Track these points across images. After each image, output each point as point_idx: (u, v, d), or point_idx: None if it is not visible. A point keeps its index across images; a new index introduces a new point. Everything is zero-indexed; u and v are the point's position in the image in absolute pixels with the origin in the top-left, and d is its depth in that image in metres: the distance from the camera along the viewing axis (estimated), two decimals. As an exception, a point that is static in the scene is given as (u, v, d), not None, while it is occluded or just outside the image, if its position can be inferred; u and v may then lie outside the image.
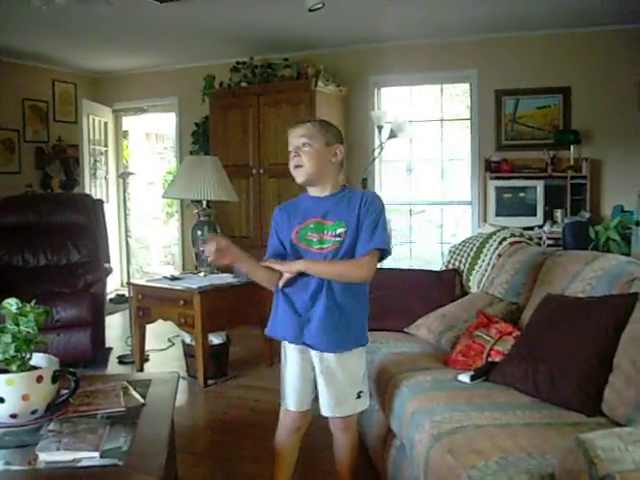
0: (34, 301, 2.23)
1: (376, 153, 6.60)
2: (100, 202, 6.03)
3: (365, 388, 2.52)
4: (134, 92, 8.41)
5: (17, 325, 2.14)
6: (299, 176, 2.44)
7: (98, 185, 8.24)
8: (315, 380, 2.48)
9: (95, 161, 8.20)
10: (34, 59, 7.51)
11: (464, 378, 2.59)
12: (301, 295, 2.43)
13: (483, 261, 3.84)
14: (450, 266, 4.08)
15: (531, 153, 6.39)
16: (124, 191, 6.22)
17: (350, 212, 2.40)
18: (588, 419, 2.16)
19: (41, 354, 2.30)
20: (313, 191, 2.51)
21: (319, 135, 2.43)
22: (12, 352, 2.12)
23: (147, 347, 4.96)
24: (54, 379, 2.18)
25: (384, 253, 2.42)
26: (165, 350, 5.52)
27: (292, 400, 2.51)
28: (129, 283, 5.07)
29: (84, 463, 1.89)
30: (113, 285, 7.83)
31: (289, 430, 2.56)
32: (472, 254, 3.94)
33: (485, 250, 3.87)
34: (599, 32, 6.11)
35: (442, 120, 7.16)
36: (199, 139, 7.69)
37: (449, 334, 3.19)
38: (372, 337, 2.70)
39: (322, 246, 2.41)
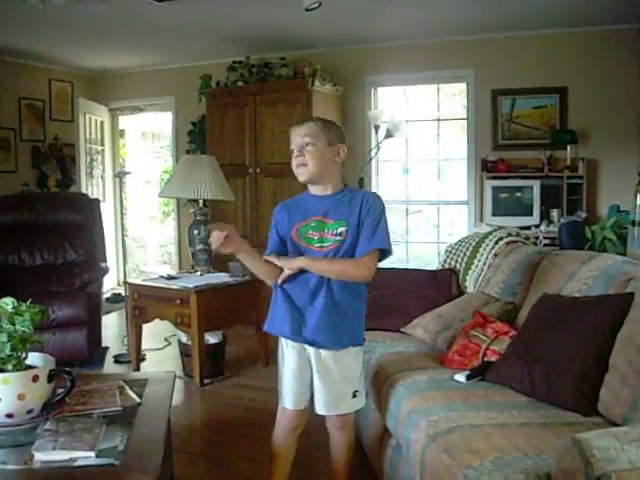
0: (30, 300, 2.22)
1: (373, 153, 6.60)
2: (96, 201, 6.03)
3: (361, 387, 2.52)
4: (131, 91, 8.40)
5: (13, 324, 2.13)
6: (302, 175, 2.45)
7: (94, 184, 8.23)
8: (312, 379, 2.48)
9: (91, 160, 8.18)
10: (31, 58, 7.50)
11: (460, 378, 2.59)
12: (300, 292, 2.43)
13: (479, 261, 3.84)
14: (446, 266, 4.08)
15: (527, 153, 6.40)
16: (120, 190, 6.23)
17: (351, 212, 2.41)
18: (584, 419, 2.16)
19: (37, 353, 2.30)
20: (315, 190, 2.51)
21: (322, 134, 2.43)
22: (8, 351, 2.11)
23: (143, 346, 4.95)
24: (50, 378, 2.17)
25: (385, 253, 2.43)
26: (161, 349, 5.52)
27: (289, 399, 2.51)
28: (125, 282, 5.06)
29: (80, 462, 1.89)
30: (109, 284, 7.81)
31: (286, 429, 2.56)
32: (468, 254, 3.94)
33: (481, 250, 3.88)
34: (595, 32, 6.11)
35: (439, 120, 7.16)
36: (195, 138, 7.69)
37: (445, 334, 3.19)
38: (369, 336, 2.70)
39: (322, 244, 2.41)
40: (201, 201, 4.96)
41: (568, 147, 6.15)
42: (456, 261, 4.01)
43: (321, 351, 2.44)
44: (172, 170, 7.16)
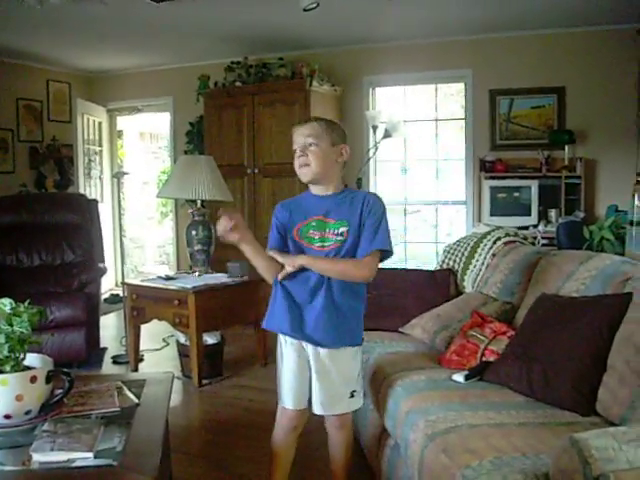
0: (28, 301, 2.22)
1: (371, 153, 6.60)
2: (94, 202, 6.02)
3: (359, 387, 2.52)
4: (128, 92, 8.40)
5: (11, 325, 2.13)
6: (305, 175, 2.44)
7: (92, 185, 8.23)
8: (311, 379, 2.48)
9: (89, 161, 8.18)
10: (28, 58, 7.49)
11: (458, 378, 2.59)
12: (300, 290, 2.43)
13: (477, 261, 3.84)
14: (445, 266, 4.08)
15: (525, 153, 6.41)
16: (118, 191, 6.22)
17: (352, 212, 2.41)
18: (582, 419, 2.16)
19: (35, 354, 2.29)
20: (316, 189, 2.51)
21: (325, 135, 2.43)
22: (6, 352, 2.11)
23: (142, 347, 4.95)
24: (48, 379, 2.17)
25: (386, 254, 2.43)
26: (160, 350, 5.52)
27: (289, 398, 2.51)
28: (124, 283, 5.06)
29: (78, 463, 1.89)
30: (107, 285, 7.81)
31: (286, 429, 2.56)
32: (466, 254, 3.94)
33: (479, 250, 3.88)
34: (593, 32, 6.12)
35: (437, 120, 7.17)
36: (193, 139, 7.69)
37: (443, 334, 3.19)
38: (367, 337, 2.70)
39: (324, 244, 2.41)
40: (199, 202, 4.96)
41: (566, 147, 6.16)
42: (454, 261, 4.01)
43: (320, 350, 2.44)
44: (170, 171, 7.15)
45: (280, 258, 2.41)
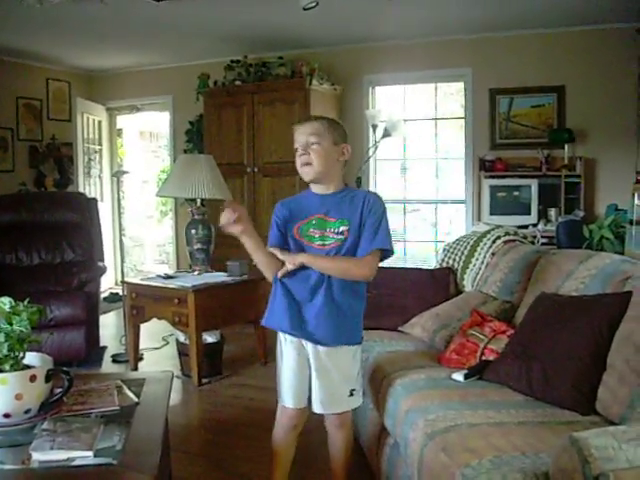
0: (28, 300, 2.22)
1: (370, 152, 6.60)
2: (94, 201, 6.02)
3: (358, 386, 2.52)
4: (128, 90, 8.40)
5: (10, 324, 2.13)
6: (307, 174, 2.44)
7: (92, 184, 8.23)
8: (310, 377, 2.48)
9: (89, 159, 8.18)
10: (28, 57, 7.49)
11: (458, 377, 2.59)
12: (300, 288, 2.43)
13: (477, 259, 3.84)
14: (444, 264, 4.08)
15: (525, 152, 6.41)
16: (118, 190, 6.21)
17: (353, 211, 2.41)
18: (582, 418, 2.16)
19: (34, 353, 2.29)
20: (317, 188, 2.51)
21: (327, 134, 2.44)
22: (5, 351, 2.11)
23: (141, 346, 4.95)
24: (48, 378, 2.17)
25: (386, 253, 2.43)
26: (159, 349, 5.52)
27: (289, 397, 2.51)
28: (123, 282, 5.06)
29: (78, 462, 1.89)
30: (107, 284, 7.81)
31: (286, 427, 2.56)
32: (466, 252, 3.94)
33: (479, 248, 3.88)
34: (593, 31, 6.12)
35: (436, 119, 7.17)
36: (193, 137, 7.69)
37: (443, 333, 3.19)
38: (366, 336, 2.70)
39: (324, 243, 2.42)
40: (199, 200, 4.96)
41: (566, 146, 6.16)
42: (454, 260, 4.01)
43: (319, 348, 2.44)
44: (170, 169, 7.15)
45: (281, 255, 2.41)
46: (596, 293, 2.54)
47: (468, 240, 4.04)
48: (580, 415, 2.18)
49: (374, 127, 6.32)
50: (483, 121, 6.63)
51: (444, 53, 6.67)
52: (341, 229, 2.40)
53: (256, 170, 6.68)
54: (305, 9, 5.14)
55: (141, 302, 4.68)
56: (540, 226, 6.02)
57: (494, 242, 3.86)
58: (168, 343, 5.59)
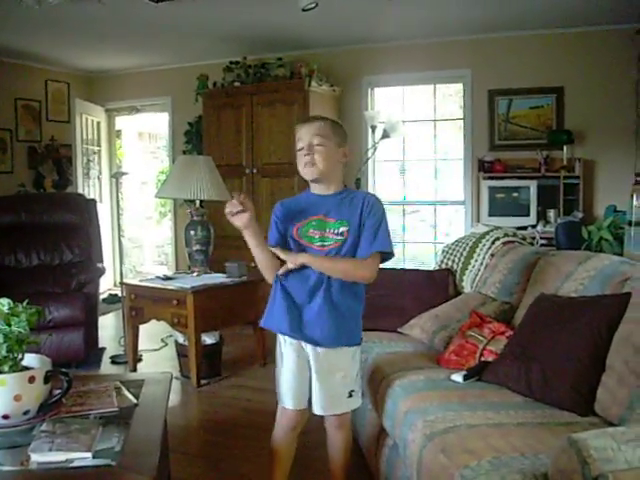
0: (26, 301, 2.22)
1: (369, 153, 6.60)
2: (93, 202, 6.02)
3: (357, 387, 2.52)
4: (127, 92, 8.40)
5: (9, 325, 2.12)
6: (310, 174, 2.44)
7: (91, 185, 8.23)
8: (310, 379, 2.48)
9: (88, 161, 8.18)
10: (27, 58, 7.49)
11: (457, 378, 2.59)
12: (299, 289, 2.43)
13: (476, 261, 3.84)
14: (443, 266, 4.08)
15: (524, 153, 6.41)
16: (117, 191, 6.22)
17: (352, 212, 2.41)
18: (581, 419, 2.16)
19: (33, 354, 2.29)
20: (317, 189, 2.51)
21: (332, 135, 2.44)
22: (4, 352, 2.10)
23: (140, 347, 4.95)
24: (46, 379, 2.17)
25: (387, 255, 2.43)
26: (158, 350, 5.52)
27: (289, 398, 2.51)
28: (122, 283, 5.06)
29: (77, 463, 1.89)
30: (106, 285, 7.81)
31: (286, 429, 2.56)
32: (465, 254, 3.94)
33: (478, 250, 3.88)
34: (592, 32, 6.13)
35: (435, 120, 7.17)
36: (192, 139, 7.69)
37: (442, 334, 3.19)
38: (365, 337, 2.70)
39: (324, 243, 2.42)
40: (198, 202, 4.96)
41: (565, 147, 6.16)
42: (453, 261, 4.01)
43: (319, 350, 2.43)
44: (169, 171, 7.15)
45: (282, 255, 2.40)
46: (595, 294, 2.54)
47: (467, 241, 4.04)
48: (579, 416, 2.18)
49: (373, 128, 6.33)
50: (482, 122, 6.63)
51: (443, 54, 6.67)
52: (341, 230, 2.40)
53: (255, 171, 6.68)
54: (304, 10, 5.15)
55: (140, 303, 4.68)
56: (539, 227, 6.02)
57: (493, 243, 3.86)
58: (167, 344, 5.59)
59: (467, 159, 6.73)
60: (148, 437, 2.13)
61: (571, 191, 6.12)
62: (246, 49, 6.89)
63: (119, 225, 5.92)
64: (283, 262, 2.41)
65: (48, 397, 2.22)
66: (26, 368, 2.18)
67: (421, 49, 6.74)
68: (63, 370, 2.30)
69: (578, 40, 6.21)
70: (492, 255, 3.77)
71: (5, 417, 2.07)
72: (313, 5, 5.07)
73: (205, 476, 3.14)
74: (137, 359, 4.94)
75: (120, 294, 5.38)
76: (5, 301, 2.18)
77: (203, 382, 4.51)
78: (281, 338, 2.53)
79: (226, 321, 4.72)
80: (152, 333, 5.49)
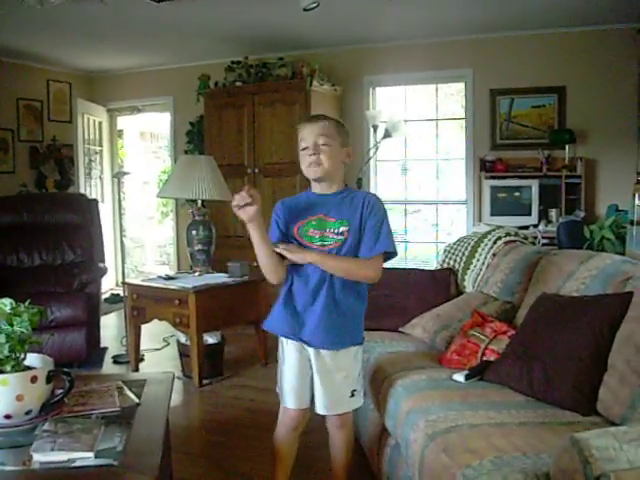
0: (28, 301, 2.22)
1: (371, 153, 6.60)
2: (95, 202, 6.03)
3: (359, 387, 2.52)
4: (129, 91, 8.40)
5: (11, 325, 2.13)
6: (314, 173, 2.42)
7: (93, 185, 8.24)
8: (312, 378, 2.48)
9: (90, 161, 8.19)
10: (29, 58, 7.49)
11: (459, 377, 2.59)
12: (303, 289, 2.43)
13: (478, 260, 3.84)
14: (445, 265, 4.08)
15: (526, 152, 6.41)
16: (119, 190, 6.22)
17: (353, 212, 2.41)
18: (583, 418, 2.16)
19: (35, 354, 2.29)
20: (318, 188, 2.50)
21: (336, 135, 2.44)
22: (6, 352, 2.11)
23: (142, 347, 4.95)
24: (48, 379, 2.17)
25: (390, 254, 2.44)
26: (160, 350, 5.52)
27: (290, 398, 2.51)
28: (124, 283, 5.06)
29: (79, 463, 1.89)
30: (108, 285, 7.82)
31: (288, 428, 2.56)
32: (467, 253, 3.94)
33: (480, 249, 3.88)
34: (594, 31, 6.12)
35: (437, 119, 7.17)
36: (194, 138, 7.69)
37: (444, 333, 3.19)
38: (367, 336, 2.70)
39: (323, 243, 2.41)
40: (199, 201, 4.96)
41: (566, 147, 6.16)
42: (455, 261, 4.01)
43: (321, 350, 2.44)
44: (170, 170, 7.15)
45: (289, 255, 2.39)
46: (597, 294, 2.54)
47: (469, 241, 4.04)
48: (581, 416, 2.18)
49: (375, 128, 6.33)
50: (484, 122, 6.63)
51: (445, 54, 6.67)
52: (341, 229, 2.40)
53: (257, 171, 6.68)
54: (306, 10, 5.15)
55: (142, 303, 4.68)
56: (541, 227, 6.02)
57: (495, 243, 3.86)
58: (169, 344, 5.59)
59: (469, 158, 6.73)
60: (150, 437, 2.13)
61: (573, 190, 6.11)
62: (247, 49, 6.89)
63: (121, 225, 5.92)
64: (284, 257, 2.41)
65: (50, 397, 2.23)
66: (28, 368, 2.18)
67: (422, 49, 6.73)
68: (65, 370, 2.30)
69: (580, 39, 6.21)
70: (494, 254, 3.77)
71: (7, 417, 2.07)
72: (314, 5, 5.07)
73: (207, 476, 3.14)
74: (139, 359, 4.94)
75: (122, 294, 5.38)
76: (7, 301, 2.18)
77: (205, 382, 4.51)
78: (283, 338, 2.53)
79: (228, 321, 4.72)
80: (154, 333, 5.50)
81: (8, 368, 2.11)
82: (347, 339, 2.46)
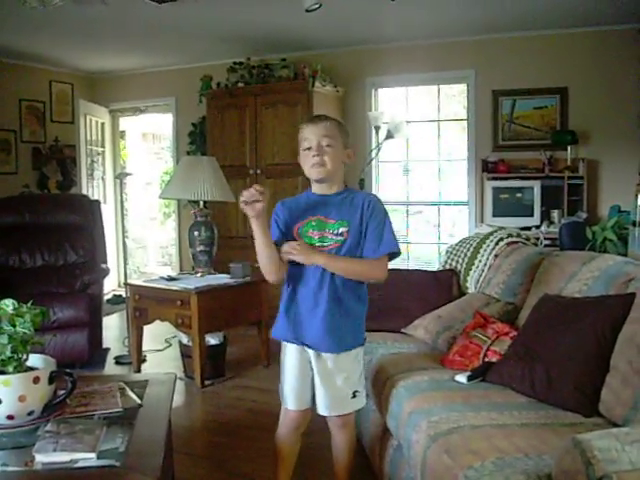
0: (31, 302, 2.22)
1: (373, 154, 6.60)
2: (97, 202, 6.03)
3: (361, 387, 2.52)
4: (131, 92, 8.41)
5: (13, 326, 2.13)
6: (317, 174, 2.43)
7: (95, 186, 8.24)
8: (313, 379, 2.48)
9: (92, 161, 8.19)
10: (31, 59, 7.50)
11: (461, 378, 2.59)
12: (303, 295, 2.43)
13: (480, 261, 3.84)
14: (447, 266, 4.08)
15: (528, 153, 6.40)
16: (121, 191, 6.22)
17: (353, 213, 2.41)
18: (585, 419, 2.16)
19: (38, 355, 2.30)
20: (319, 189, 2.50)
21: (339, 136, 2.44)
22: (8, 353, 2.11)
23: (144, 348, 4.95)
24: (51, 380, 2.17)
25: (394, 254, 2.44)
26: (162, 351, 5.52)
27: (291, 399, 2.51)
28: (126, 283, 5.06)
29: (81, 464, 1.89)
30: (110, 286, 7.81)
31: (289, 429, 2.56)
32: (469, 254, 3.94)
33: (482, 250, 3.88)
34: (596, 32, 6.12)
35: (439, 121, 7.16)
36: (196, 139, 7.70)
37: (446, 334, 3.19)
38: (369, 337, 2.70)
39: (323, 244, 2.41)
40: (202, 202, 4.96)
41: (568, 148, 6.15)
42: (457, 262, 4.01)
43: (321, 353, 2.44)
44: (173, 171, 7.16)
45: (295, 257, 2.38)
46: (599, 295, 2.54)
47: (471, 242, 4.04)
48: (583, 417, 2.18)
49: (377, 129, 6.33)
50: (486, 123, 6.63)
51: (447, 55, 6.67)
52: (340, 230, 2.40)
53: (259, 172, 6.68)
54: (308, 11, 5.14)
55: (144, 304, 4.68)
56: (543, 228, 6.01)
57: (497, 244, 3.86)
58: (171, 345, 5.59)
59: (471, 159, 6.72)
60: (152, 438, 2.14)
61: (575, 191, 6.11)
62: (249, 50, 6.89)
63: (123, 226, 5.91)
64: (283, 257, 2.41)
65: (52, 397, 2.23)
66: (31, 369, 2.18)
67: (424, 50, 6.73)
68: (67, 371, 2.31)
69: (582, 40, 6.20)
70: (496, 255, 3.77)
71: (10, 417, 2.07)
72: (317, 6, 5.07)
73: (209, 477, 3.14)
74: (141, 360, 4.94)
75: (124, 295, 5.39)
76: (10, 302, 2.18)
77: (207, 383, 4.51)
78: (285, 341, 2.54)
79: (230, 322, 4.72)
80: (156, 334, 5.50)
81: (11, 369, 2.12)
82: (349, 341, 2.46)
